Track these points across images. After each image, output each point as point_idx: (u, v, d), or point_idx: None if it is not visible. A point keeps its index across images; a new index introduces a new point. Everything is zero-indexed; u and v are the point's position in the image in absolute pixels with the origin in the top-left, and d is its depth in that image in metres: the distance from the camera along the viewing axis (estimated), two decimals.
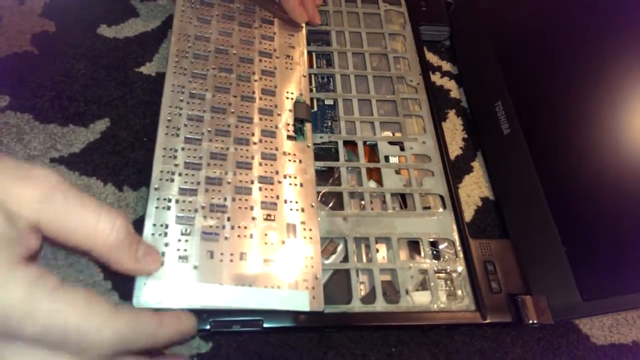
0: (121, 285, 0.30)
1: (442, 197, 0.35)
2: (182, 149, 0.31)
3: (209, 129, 0.32)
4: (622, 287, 0.29)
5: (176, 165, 0.30)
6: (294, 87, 0.36)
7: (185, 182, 0.29)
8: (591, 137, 0.33)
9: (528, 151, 0.36)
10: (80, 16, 0.41)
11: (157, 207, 0.28)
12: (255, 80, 0.35)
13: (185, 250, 0.27)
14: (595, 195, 0.32)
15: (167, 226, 0.28)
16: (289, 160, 0.32)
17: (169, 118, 0.32)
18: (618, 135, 0.32)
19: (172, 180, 0.29)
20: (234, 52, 0.36)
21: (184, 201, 0.29)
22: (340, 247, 0.32)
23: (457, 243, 0.33)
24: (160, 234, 0.27)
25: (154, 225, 0.28)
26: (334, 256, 0.32)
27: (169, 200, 0.29)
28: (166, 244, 0.27)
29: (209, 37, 0.36)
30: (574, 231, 0.32)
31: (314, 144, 0.35)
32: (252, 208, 0.30)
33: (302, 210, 0.31)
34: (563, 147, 0.34)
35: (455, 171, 0.38)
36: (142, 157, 0.35)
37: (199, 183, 0.30)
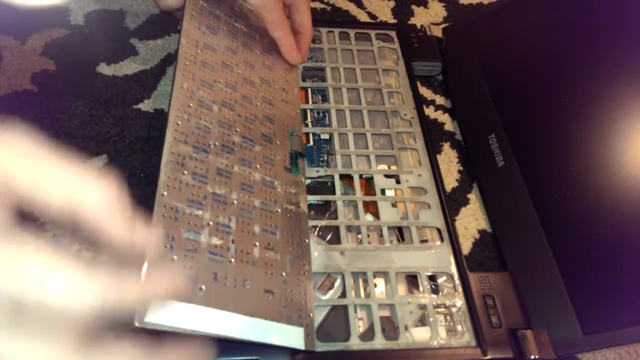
0: None
1: (439, 230, 0.35)
2: (190, 157, 0.29)
3: (216, 142, 0.31)
4: (624, 320, 0.29)
5: (184, 173, 0.28)
6: (289, 120, 0.37)
7: (192, 194, 0.28)
8: (587, 167, 0.33)
9: (523, 183, 0.36)
10: (80, 55, 0.42)
11: (164, 216, 0.26)
12: (257, 104, 0.35)
13: (191, 267, 0.25)
14: (594, 226, 0.32)
15: (173, 238, 0.25)
16: (285, 192, 0.32)
17: (178, 122, 0.30)
18: (612, 165, 0.32)
19: (180, 190, 0.27)
20: (239, 71, 0.36)
21: (190, 214, 0.27)
22: (337, 282, 0.32)
23: (456, 277, 0.33)
24: (166, 246, 0.25)
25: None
26: (331, 291, 0.31)
27: (177, 211, 0.26)
28: (172, 259, 0.25)
29: (215, 48, 0.35)
30: (573, 263, 0.32)
31: (311, 178, 0.35)
32: (254, 233, 0.29)
33: (297, 244, 0.31)
34: (558, 178, 0.34)
35: (451, 203, 0.38)
36: (140, 193, 0.35)
37: (205, 197, 0.28)
